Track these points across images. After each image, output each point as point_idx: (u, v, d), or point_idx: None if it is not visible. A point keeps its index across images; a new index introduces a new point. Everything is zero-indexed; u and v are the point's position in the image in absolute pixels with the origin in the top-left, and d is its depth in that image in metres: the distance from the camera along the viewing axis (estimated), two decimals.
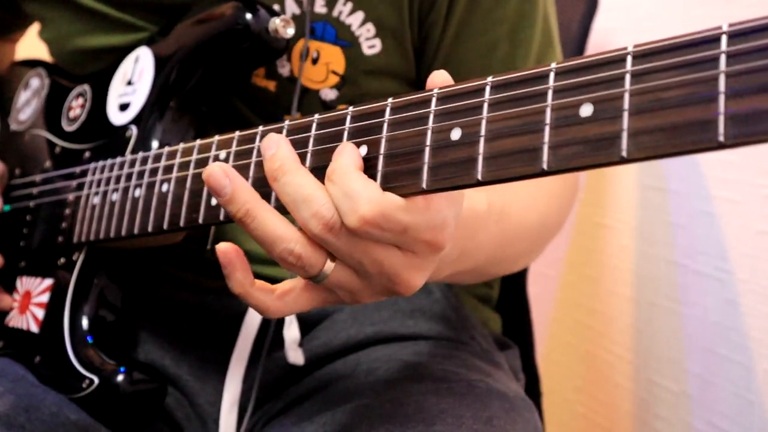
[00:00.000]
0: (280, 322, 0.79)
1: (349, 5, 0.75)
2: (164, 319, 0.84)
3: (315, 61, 0.77)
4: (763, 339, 0.89)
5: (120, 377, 0.72)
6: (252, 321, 0.80)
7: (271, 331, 0.77)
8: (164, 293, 0.84)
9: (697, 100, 0.39)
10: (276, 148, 0.53)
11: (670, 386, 1.03)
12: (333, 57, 0.77)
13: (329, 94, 0.78)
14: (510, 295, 1.00)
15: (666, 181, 1.04)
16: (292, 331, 0.78)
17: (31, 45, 1.03)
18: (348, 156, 0.51)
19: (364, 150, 0.52)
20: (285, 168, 0.52)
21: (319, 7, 0.75)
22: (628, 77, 0.41)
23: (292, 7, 0.75)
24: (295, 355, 0.77)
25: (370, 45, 0.76)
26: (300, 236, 0.51)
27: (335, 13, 0.75)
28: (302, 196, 0.50)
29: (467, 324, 0.83)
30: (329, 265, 0.52)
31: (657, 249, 1.06)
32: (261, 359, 0.76)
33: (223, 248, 0.54)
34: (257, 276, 0.80)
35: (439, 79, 0.51)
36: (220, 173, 0.54)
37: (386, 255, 0.50)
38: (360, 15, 0.75)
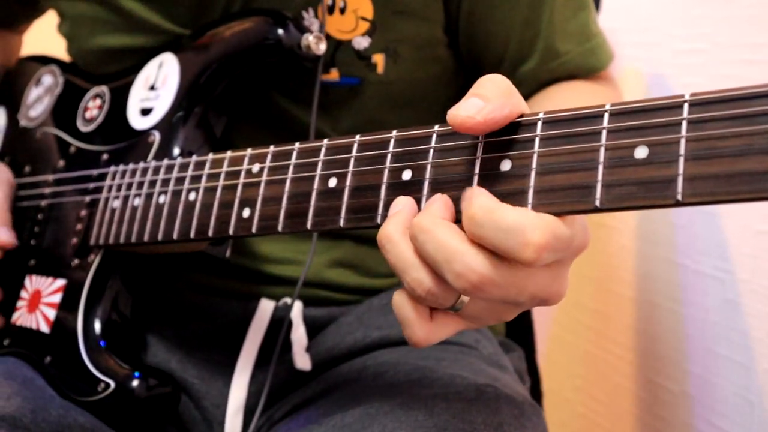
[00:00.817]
0: (287, 326, 0.79)
1: None
2: (171, 320, 0.83)
3: (343, 11, 0.76)
4: (763, 339, 0.89)
5: (135, 382, 0.72)
6: (259, 324, 0.80)
7: (282, 336, 0.77)
8: (172, 295, 0.84)
9: (754, 152, 0.40)
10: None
11: (670, 386, 1.03)
12: (360, 3, 0.76)
13: (362, 42, 0.77)
14: None
15: None
16: (299, 336, 0.78)
17: (43, 39, 1.03)
18: (484, 195, 0.47)
19: (408, 174, 0.52)
20: (423, 225, 0.48)
21: None
22: (684, 123, 0.42)
23: None
24: (302, 361, 0.77)
25: None
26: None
27: None
28: (445, 254, 0.46)
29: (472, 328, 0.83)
30: (464, 298, 0.49)
31: (657, 249, 1.06)
32: (271, 363, 0.75)
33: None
34: (269, 276, 0.81)
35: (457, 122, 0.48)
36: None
37: (537, 281, 0.47)
38: None
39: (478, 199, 0.47)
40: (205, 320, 0.82)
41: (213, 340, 0.81)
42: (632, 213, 1.10)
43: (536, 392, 1.02)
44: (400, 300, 0.50)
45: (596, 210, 0.45)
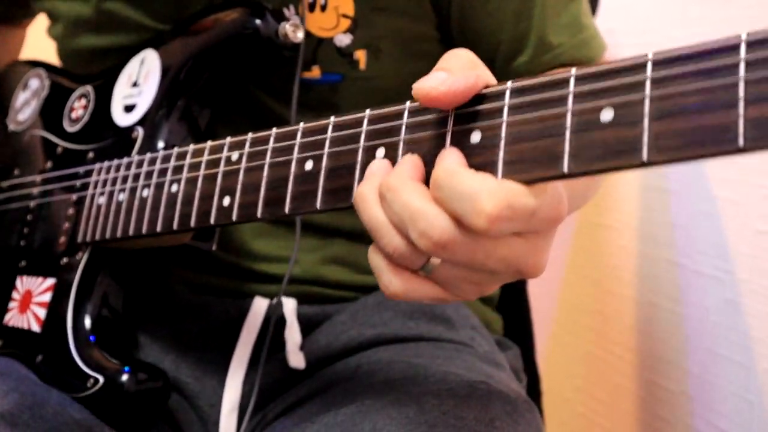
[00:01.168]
0: (281, 324, 0.79)
1: None
2: (165, 319, 0.84)
3: (324, 8, 0.76)
4: (763, 339, 0.89)
5: (125, 377, 0.72)
6: (253, 323, 0.80)
7: (269, 335, 0.77)
8: (165, 294, 0.84)
9: (717, 106, 0.40)
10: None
11: (670, 386, 1.03)
12: (341, 0, 0.76)
13: (343, 39, 0.77)
14: (510, 295, 1.00)
15: (667, 181, 1.04)
16: (293, 334, 0.78)
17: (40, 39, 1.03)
18: (451, 157, 0.47)
19: (381, 152, 0.53)
20: (390, 184, 0.48)
21: None
22: (648, 83, 0.42)
23: None
24: (296, 359, 0.77)
25: None
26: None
27: None
28: (409, 213, 0.47)
29: (468, 325, 0.83)
30: (434, 260, 0.48)
31: (657, 249, 1.06)
32: (260, 363, 0.76)
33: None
34: (261, 274, 0.81)
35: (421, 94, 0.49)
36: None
37: (510, 249, 0.47)
38: None
39: (444, 161, 0.47)
40: (198, 319, 0.82)
41: (207, 339, 0.81)
42: (632, 213, 1.10)
43: (535, 392, 1.02)
44: (373, 252, 0.51)
45: (565, 176, 0.44)
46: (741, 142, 0.38)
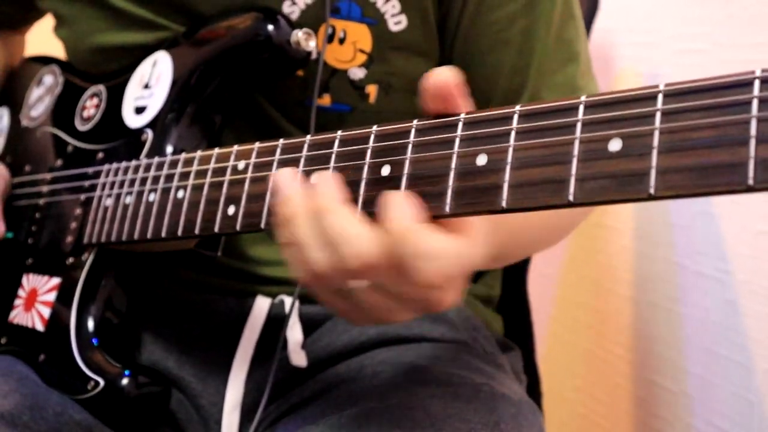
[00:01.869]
0: (283, 324, 0.79)
1: None
2: (167, 319, 0.83)
3: (342, 41, 0.77)
4: (763, 339, 0.89)
5: (125, 380, 0.72)
6: (255, 322, 0.80)
7: (283, 336, 0.77)
8: (167, 293, 0.84)
9: (727, 143, 0.39)
10: (323, 185, 0.52)
11: (670, 386, 1.03)
12: (360, 35, 0.76)
13: (357, 73, 0.77)
14: (510, 295, 1.00)
15: None
16: (295, 334, 0.78)
17: (44, 40, 1.03)
18: (403, 210, 0.48)
19: (387, 170, 0.52)
20: (325, 205, 0.50)
21: None
22: (658, 115, 0.42)
23: None
24: (298, 358, 0.77)
25: (396, 21, 0.76)
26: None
27: None
28: (338, 238, 0.49)
29: (470, 326, 0.83)
30: (356, 284, 0.50)
31: (657, 249, 1.06)
32: (273, 363, 0.75)
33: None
34: (263, 278, 0.81)
35: (444, 75, 0.50)
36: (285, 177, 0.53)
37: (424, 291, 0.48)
38: None
39: (406, 217, 0.48)
40: (201, 318, 0.82)
41: (209, 338, 0.81)
42: (632, 213, 1.10)
43: (535, 392, 1.02)
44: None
45: (569, 205, 0.44)
46: (751, 181, 0.38)
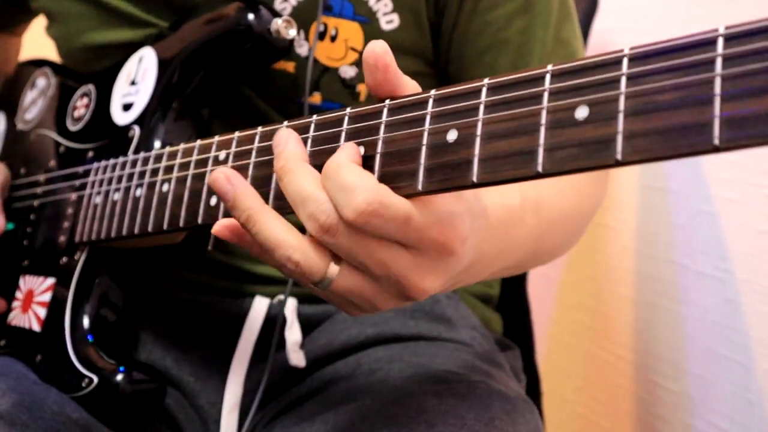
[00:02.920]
0: (282, 324, 0.79)
1: None
2: (166, 319, 0.84)
3: (333, 39, 0.77)
4: (763, 339, 0.89)
5: (119, 377, 0.73)
6: (254, 322, 0.80)
7: (276, 335, 0.77)
8: (166, 293, 0.84)
9: (692, 103, 0.38)
10: (283, 145, 0.53)
11: (670, 386, 1.03)
12: (351, 33, 0.76)
13: (348, 71, 0.78)
14: (510, 295, 1.00)
15: (666, 181, 1.04)
16: (293, 333, 0.78)
17: (38, 40, 1.04)
18: (343, 151, 0.51)
19: (361, 150, 0.52)
20: (288, 167, 0.52)
21: None
22: (623, 80, 0.41)
23: None
24: (296, 358, 0.77)
25: (388, 20, 0.76)
26: (300, 243, 0.51)
27: None
28: (301, 197, 0.50)
29: (468, 324, 0.83)
30: (332, 271, 0.51)
31: (657, 249, 1.06)
32: (268, 362, 0.76)
33: (219, 230, 0.56)
34: (260, 276, 0.81)
35: (379, 47, 0.51)
36: (223, 179, 0.54)
37: (391, 254, 0.49)
38: None
39: (337, 155, 0.50)
40: (199, 318, 0.82)
41: (208, 338, 0.81)
42: (632, 213, 1.10)
43: (535, 392, 1.02)
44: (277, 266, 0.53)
45: (539, 175, 0.44)
46: (716, 141, 0.37)
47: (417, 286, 0.51)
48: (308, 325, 0.80)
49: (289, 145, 0.53)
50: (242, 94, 0.79)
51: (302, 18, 0.75)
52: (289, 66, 0.77)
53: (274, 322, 0.78)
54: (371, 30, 0.76)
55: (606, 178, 0.85)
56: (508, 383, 0.75)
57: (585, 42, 1.04)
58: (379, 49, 0.51)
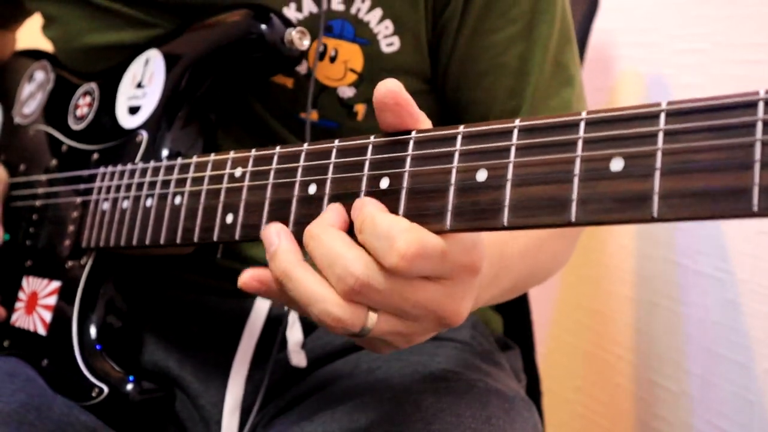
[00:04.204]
0: (283, 324, 0.79)
1: (368, 2, 0.74)
2: (168, 320, 0.84)
3: (333, 59, 0.76)
4: (763, 339, 0.89)
5: (129, 386, 0.72)
6: (255, 323, 0.80)
7: (280, 336, 0.77)
8: (168, 294, 0.84)
9: (731, 167, 0.38)
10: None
11: (670, 386, 1.03)
12: (351, 55, 0.76)
13: (347, 92, 0.77)
14: None
15: None
16: (295, 334, 0.78)
17: (33, 35, 1.03)
18: (371, 204, 0.50)
19: (386, 182, 0.52)
20: (312, 232, 0.52)
21: (337, 5, 0.74)
22: (661, 135, 0.41)
23: (309, 5, 0.75)
24: (298, 358, 0.77)
25: (389, 43, 0.76)
26: (338, 299, 0.50)
27: (353, 11, 0.75)
28: (328, 260, 0.50)
29: (468, 324, 0.83)
30: (372, 319, 0.50)
31: (657, 249, 1.06)
32: (269, 363, 0.76)
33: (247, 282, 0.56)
34: None
35: (392, 84, 0.51)
36: (274, 232, 0.54)
37: (425, 294, 0.49)
38: (378, 12, 0.75)
39: (366, 207, 0.50)
40: (201, 319, 0.82)
41: (209, 339, 0.81)
42: None
43: (535, 392, 1.02)
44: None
45: (571, 224, 0.43)
46: (755, 208, 0.37)
47: (454, 313, 0.51)
48: (309, 326, 0.80)
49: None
50: (247, 104, 0.79)
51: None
52: (288, 82, 0.77)
53: (275, 323, 0.78)
54: (371, 52, 0.76)
55: (576, 239, 0.85)
56: (507, 382, 0.75)
57: (585, 42, 1.04)
58: (394, 86, 0.51)
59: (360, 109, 0.78)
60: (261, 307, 0.80)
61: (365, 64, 0.76)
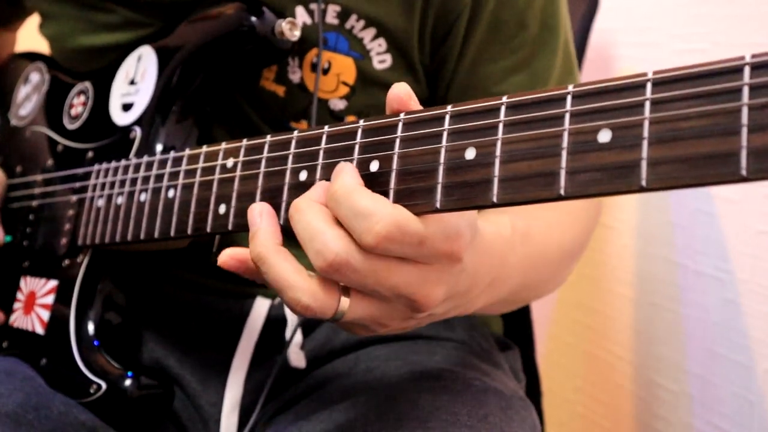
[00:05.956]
0: (282, 324, 0.79)
1: (362, 22, 0.74)
2: (168, 319, 0.84)
3: (326, 72, 0.76)
4: (763, 339, 0.89)
5: (128, 382, 0.72)
6: (254, 323, 0.80)
7: (289, 335, 0.77)
8: (168, 293, 0.84)
9: (718, 132, 0.38)
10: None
11: (670, 386, 1.03)
12: (344, 68, 0.76)
13: (338, 104, 0.77)
14: None
15: None
16: (294, 334, 0.78)
17: (33, 36, 1.03)
18: (349, 175, 0.50)
19: (375, 165, 0.52)
20: (298, 205, 0.52)
21: (331, 19, 0.75)
22: (647, 105, 0.41)
23: (303, 17, 0.75)
24: (297, 358, 0.77)
25: (381, 60, 0.76)
26: (308, 285, 0.50)
27: (347, 26, 0.75)
28: (309, 234, 0.50)
29: (467, 324, 0.84)
30: (344, 304, 0.51)
31: (657, 249, 1.06)
32: (275, 366, 0.76)
33: (226, 261, 0.56)
34: None
35: (402, 89, 0.52)
36: (257, 212, 0.54)
37: (400, 275, 0.49)
38: (372, 31, 0.75)
39: (342, 178, 0.50)
40: (201, 319, 0.82)
41: (209, 338, 0.81)
42: (632, 213, 1.10)
43: (535, 392, 1.02)
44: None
45: (560, 198, 0.43)
46: (744, 171, 0.37)
47: (426, 298, 0.51)
48: (308, 326, 0.80)
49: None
50: (241, 111, 0.79)
51: (296, 48, 0.75)
52: (280, 90, 0.77)
53: (274, 324, 0.78)
54: (364, 66, 0.76)
55: (599, 209, 0.85)
56: (505, 382, 0.75)
57: (585, 42, 1.04)
58: (403, 92, 0.52)
59: (350, 120, 0.78)
60: (260, 307, 0.80)
61: (357, 77, 0.76)
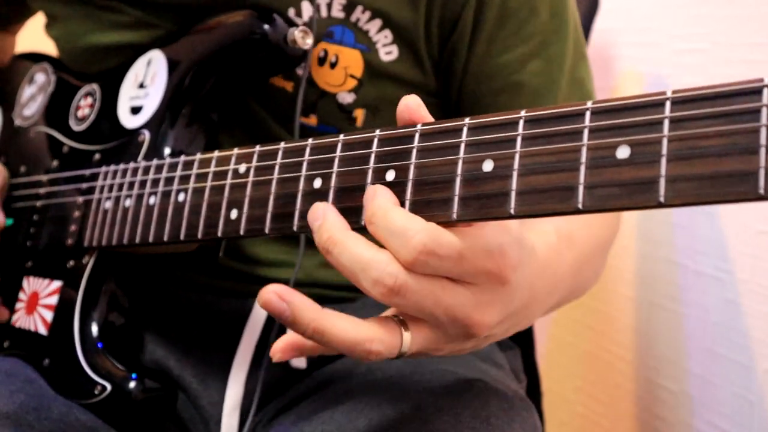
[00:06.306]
0: (283, 325, 0.79)
1: (368, 13, 0.74)
2: (169, 319, 0.84)
3: (333, 65, 0.76)
4: (763, 339, 0.89)
5: (132, 384, 0.72)
6: (255, 323, 0.80)
7: (274, 333, 0.77)
8: (169, 293, 0.84)
9: (737, 151, 0.39)
10: (322, 219, 0.52)
11: (670, 386, 1.03)
12: (351, 60, 0.76)
13: (346, 97, 0.77)
14: None
15: None
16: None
17: (34, 38, 1.03)
18: (383, 197, 0.50)
19: (392, 175, 0.52)
20: (335, 239, 0.50)
21: (336, 12, 0.75)
22: (666, 122, 0.42)
23: (308, 11, 0.75)
24: (298, 359, 0.77)
25: (387, 51, 0.76)
26: (374, 332, 0.50)
27: (353, 19, 0.75)
28: (360, 265, 0.49)
29: None
30: (407, 338, 0.51)
31: (657, 249, 1.06)
32: (262, 366, 0.76)
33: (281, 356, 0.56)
34: (262, 279, 0.81)
35: (412, 101, 0.52)
36: (275, 299, 0.51)
37: (455, 296, 0.50)
38: (378, 22, 0.75)
39: (378, 200, 0.50)
40: (202, 319, 0.82)
41: (210, 339, 0.81)
42: (632, 213, 1.10)
43: (535, 392, 1.02)
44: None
45: (578, 212, 0.44)
46: (762, 190, 0.38)
47: (480, 322, 0.51)
48: None
49: (327, 218, 0.52)
50: (248, 107, 0.79)
51: None
52: (288, 85, 0.77)
53: (276, 323, 0.78)
54: (371, 58, 0.76)
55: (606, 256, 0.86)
56: (506, 382, 0.75)
57: (586, 42, 1.04)
58: (413, 103, 0.52)
59: (359, 114, 0.78)
60: (261, 308, 0.80)
61: (365, 70, 0.76)
